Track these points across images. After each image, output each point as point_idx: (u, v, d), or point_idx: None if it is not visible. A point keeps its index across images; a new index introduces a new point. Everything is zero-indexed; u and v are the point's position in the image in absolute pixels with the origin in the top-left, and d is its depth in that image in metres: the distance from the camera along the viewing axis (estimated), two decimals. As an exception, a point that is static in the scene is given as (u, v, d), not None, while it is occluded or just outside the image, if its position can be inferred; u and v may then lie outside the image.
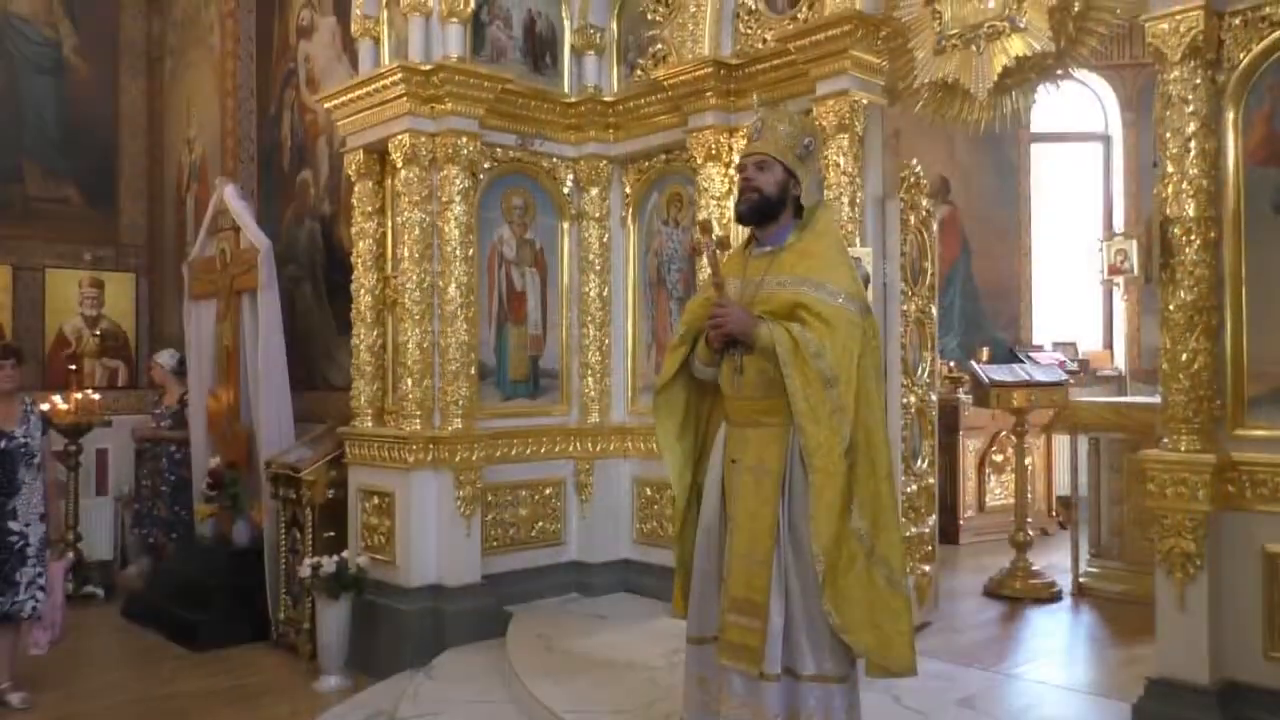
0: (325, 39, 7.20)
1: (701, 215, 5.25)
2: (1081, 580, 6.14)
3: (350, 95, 5.69)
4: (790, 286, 2.96)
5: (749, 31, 5.33)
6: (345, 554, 5.48)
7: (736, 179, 3.21)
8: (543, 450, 5.98)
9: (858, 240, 4.72)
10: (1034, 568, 6.18)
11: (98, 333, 9.34)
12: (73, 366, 8.89)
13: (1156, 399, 3.87)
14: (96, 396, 8.20)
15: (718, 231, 3.20)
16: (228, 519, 6.67)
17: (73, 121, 9.33)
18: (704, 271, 4.95)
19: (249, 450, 6.72)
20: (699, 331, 3.13)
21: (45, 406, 6.47)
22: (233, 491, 6.68)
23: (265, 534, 6.30)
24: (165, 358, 7.80)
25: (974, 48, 4.28)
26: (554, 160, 6.08)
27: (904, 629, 2.90)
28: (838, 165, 4.72)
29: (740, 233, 4.86)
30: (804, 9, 5.05)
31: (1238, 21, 3.63)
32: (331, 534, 5.84)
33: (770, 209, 3.08)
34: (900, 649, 2.88)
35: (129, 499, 8.53)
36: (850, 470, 2.87)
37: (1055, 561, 6.66)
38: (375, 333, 5.80)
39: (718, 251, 3.07)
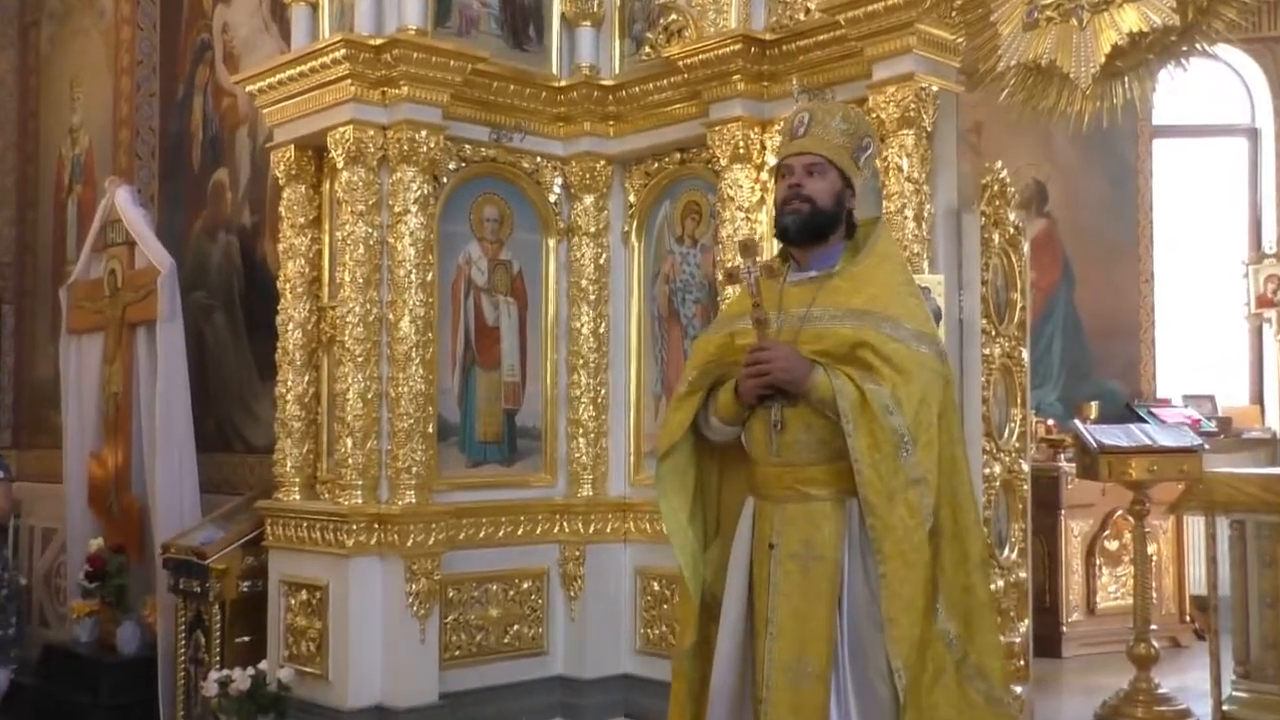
0: (249, 5, 7.33)
1: (741, 232, 5.30)
2: (1225, 708, 6.09)
3: (279, 76, 5.78)
4: (848, 322, 3.01)
5: (788, -1, 5.43)
6: (263, 665, 5.47)
7: (775, 185, 3.27)
8: (520, 532, 6.00)
9: (925, 265, 4.77)
10: (1161, 690, 6.14)
11: (-54, 377, 9.42)
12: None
13: (1316, 472, 3.89)
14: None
15: (763, 255, 3.26)
16: (110, 619, 6.68)
17: (-79, 104, 9.48)
18: (726, 302, 5.03)
19: (141, 530, 6.75)
20: (719, 379, 3.18)
21: None
22: (118, 583, 6.68)
23: (160, 638, 6.31)
24: None
25: (1075, 21, 4.35)
26: (538, 160, 6.16)
27: None
28: (900, 169, 4.78)
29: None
30: (858, -30, 5.15)
31: None
32: (246, 639, 5.85)
33: (824, 225, 3.14)
34: None
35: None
36: (934, 558, 2.91)
37: (1190, 683, 6.62)
38: (306, 379, 5.86)
39: (760, 279, 3.10)
